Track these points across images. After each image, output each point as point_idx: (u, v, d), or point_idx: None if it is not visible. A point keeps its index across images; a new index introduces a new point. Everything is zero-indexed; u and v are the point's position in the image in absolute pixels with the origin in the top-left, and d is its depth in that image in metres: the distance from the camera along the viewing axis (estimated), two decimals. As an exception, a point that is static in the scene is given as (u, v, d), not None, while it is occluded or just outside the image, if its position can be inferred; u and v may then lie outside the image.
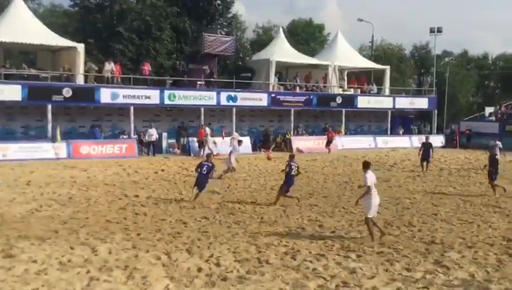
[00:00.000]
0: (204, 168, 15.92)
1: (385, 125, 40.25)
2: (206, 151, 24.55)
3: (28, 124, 28.17)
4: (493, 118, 43.47)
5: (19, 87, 26.18)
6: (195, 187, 16.02)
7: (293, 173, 15.74)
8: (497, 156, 18.98)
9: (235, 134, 25.84)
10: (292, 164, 15.82)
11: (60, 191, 17.10)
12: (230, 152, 22.16)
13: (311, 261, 9.61)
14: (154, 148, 29.48)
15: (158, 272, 8.86)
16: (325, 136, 33.94)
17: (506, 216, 14.24)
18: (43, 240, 10.84)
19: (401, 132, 40.68)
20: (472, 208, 15.37)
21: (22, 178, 19.73)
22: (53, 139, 26.72)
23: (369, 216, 11.21)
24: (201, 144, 29.04)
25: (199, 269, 9.07)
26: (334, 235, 11.77)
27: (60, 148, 26.57)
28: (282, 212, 14.42)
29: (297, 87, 36.90)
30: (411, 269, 9.26)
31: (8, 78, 26.58)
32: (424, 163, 24.11)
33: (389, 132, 39.87)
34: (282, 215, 14.04)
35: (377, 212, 11.79)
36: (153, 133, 29.38)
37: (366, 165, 11.83)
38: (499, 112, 43.55)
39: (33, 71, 28.43)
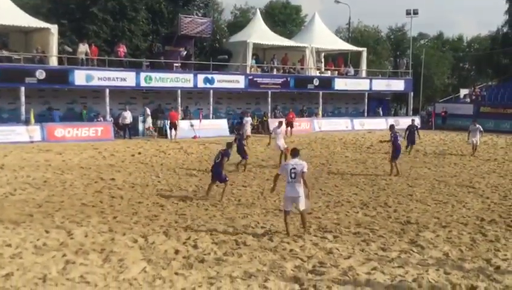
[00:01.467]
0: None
1: (362, 107, 40.49)
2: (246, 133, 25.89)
3: (0, 107, 27.64)
4: (468, 100, 44.09)
5: (-9, 69, 25.66)
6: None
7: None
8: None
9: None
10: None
11: (34, 175, 16.87)
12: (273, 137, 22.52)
13: (288, 243, 9.65)
14: (129, 131, 29.21)
15: (135, 255, 8.82)
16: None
17: (480, 196, 14.48)
18: (18, 224, 10.70)
19: (380, 113, 41.02)
20: (447, 189, 15.58)
21: (-5, 162, 19.40)
22: (27, 122, 26.28)
23: (281, 208, 10.48)
24: (174, 126, 28.97)
25: (176, 252, 9.05)
26: (311, 216, 11.81)
27: (34, 131, 26.17)
28: (259, 194, 14.44)
29: (275, 70, 36.83)
30: (386, 248, 9.37)
31: (-21, 60, 26.02)
32: (409, 146, 24.10)
33: (365, 114, 40.12)
34: (259, 197, 14.07)
35: (297, 207, 10.33)
36: (126, 116, 29.10)
37: (293, 153, 10.51)
38: (473, 93, 44.17)
39: (5, 53, 27.78)
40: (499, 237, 10.25)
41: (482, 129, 24.40)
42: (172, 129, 29.28)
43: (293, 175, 10.03)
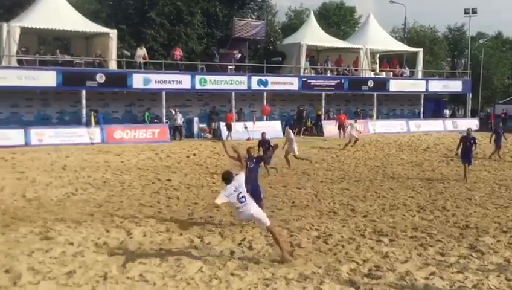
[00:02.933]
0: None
1: (418, 109, 39.68)
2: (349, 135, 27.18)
3: (63, 110, 28.66)
4: (530, 101, 42.49)
5: (54, 73, 26.64)
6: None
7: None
8: None
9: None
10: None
11: (94, 175, 17.43)
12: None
13: (343, 245, 9.60)
14: (180, 132, 29.71)
15: (191, 255, 8.99)
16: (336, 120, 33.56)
17: (543, 201, 13.96)
18: (79, 223, 11.08)
19: (447, 114, 40.22)
20: (507, 193, 15.10)
21: (58, 163, 20.15)
22: (87, 125, 27.18)
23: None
24: (229, 128, 29.33)
25: (232, 252, 9.16)
26: (366, 219, 11.72)
27: (94, 133, 27.04)
28: (313, 196, 14.41)
29: (329, 71, 36.64)
30: (445, 253, 9.18)
31: (43, 65, 27.05)
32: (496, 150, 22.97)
33: (421, 116, 39.30)
34: (313, 199, 14.04)
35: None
36: (176, 118, 29.64)
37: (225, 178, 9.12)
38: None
39: (67, 57, 28.88)
40: None
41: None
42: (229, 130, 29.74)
43: (242, 199, 8.80)
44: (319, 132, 33.85)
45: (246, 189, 9.11)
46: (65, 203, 13.20)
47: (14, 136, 25.11)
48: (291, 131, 21.03)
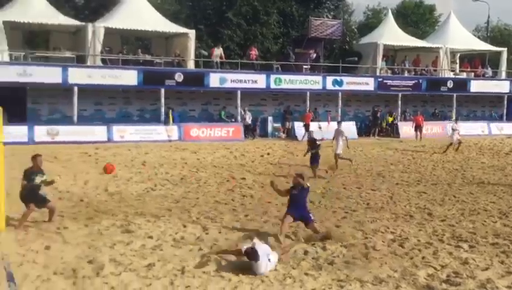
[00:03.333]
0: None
1: (500, 110, 37.97)
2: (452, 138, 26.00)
3: (143, 108, 29.65)
4: None
5: (135, 72, 27.64)
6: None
7: None
8: None
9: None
10: None
11: (172, 172, 17.94)
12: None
13: (419, 250, 9.38)
14: (252, 131, 30.05)
15: (266, 253, 9.07)
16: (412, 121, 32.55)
17: None
18: (158, 218, 11.46)
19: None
20: None
21: (138, 159, 20.90)
22: (166, 122, 27.99)
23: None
24: (307, 127, 29.21)
25: (305, 252, 9.17)
26: (444, 224, 11.38)
27: (172, 131, 27.82)
28: (388, 198, 14.16)
29: (406, 71, 35.79)
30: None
31: (125, 64, 28.12)
32: None
33: (504, 118, 37.57)
34: (388, 201, 13.79)
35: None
36: (245, 117, 29.93)
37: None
38: None
39: (148, 57, 29.87)
40: None
41: None
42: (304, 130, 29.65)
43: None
44: (395, 133, 33.13)
45: (294, 214, 9.86)
46: (144, 198, 13.68)
47: (97, 132, 26.31)
48: (343, 130, 20.64)
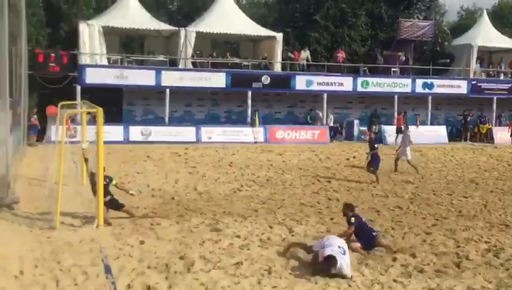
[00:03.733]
0: (376, 146, 17.54)
1: None
2: None
3: (230, 109, 30.23)
4: None
5: (224, 75, 28.25)
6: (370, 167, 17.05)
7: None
8: None
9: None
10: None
11: (258, 173, 18.17)
12: None
13: (516, 262, 8.96)
14: (334, 134, 29.87)
15: (352, 257, 8.99)
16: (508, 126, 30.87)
17: None
18: (245, 218, 11.66)
19: None
20: None
21: (225, 159, 21.35)
22: (252, 124, 28.37)
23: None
24: (399, 131, 28.57)
25: (394, 259, 9.00)
26: (542, 235, 10.77)
27: (258, 133, 28.17)
28: (482, 206, 13.58)
29: (502, 74, 34.10)
30: None
31: (214, 67, 28.81)
32: None
33: None
34: (482, 210, 13.23)
35: None
36: (330, 119, 29.95)
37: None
38: None
39: (236, 60, 30.44)
40: None
41: None
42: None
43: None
44: (489, 138, 31.66)
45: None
46: (232, 198, 13.96)
47: (187, 133, 27.13)
48: (410, 134, 19.92)
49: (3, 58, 12.65)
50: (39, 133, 25.08)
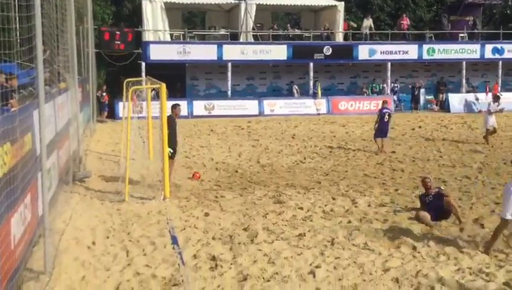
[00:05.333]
0: (386, 116, 16.83)
1: None
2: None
3: (292, 82, 30.11)
4: None
5: (285, 47, 28.07)
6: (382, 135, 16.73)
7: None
8: None
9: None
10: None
11: (321, 145, 18.12)
12: None
13: None
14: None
15: (416, 229, 8.89)
16: None
17: None
18: (308, 190, 11.71)
19: None
20: None
21: (288, 132, 21.39)
22: (315, 96, 28.16)
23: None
24: (496, 98, 27.47)
25: (461, 229, 8.83)
26: None
27: (320, 104, 27.96)
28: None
29: None
30: None
31: (275, 39, 28.66)
32: None
33: None
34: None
35: None
36: (396, 90, 29.37)
37: None
38: None
39: (297, 31, 30.15)
40: None
41: None
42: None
43: None
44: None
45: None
46: (294, 170, 14.02)
47: (249, 106, 27.31)
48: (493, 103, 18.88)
49: (71, 36, 13.13)
50: (109, 110, 25.93)
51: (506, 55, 30.31)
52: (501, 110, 18.90)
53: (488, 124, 18.16)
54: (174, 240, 8.23)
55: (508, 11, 35.72)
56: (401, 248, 7.92)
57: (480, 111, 28.01)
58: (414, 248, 7.88)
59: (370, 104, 28.58)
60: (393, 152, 16.60)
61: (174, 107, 11.97)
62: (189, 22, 34.44)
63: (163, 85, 11.07)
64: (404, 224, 9.12)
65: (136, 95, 13.86)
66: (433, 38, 30.87)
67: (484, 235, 8.46)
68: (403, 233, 8.60)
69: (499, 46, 30.32)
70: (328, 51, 28.32)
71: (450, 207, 9.29)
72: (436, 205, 9.40)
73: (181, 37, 28.05)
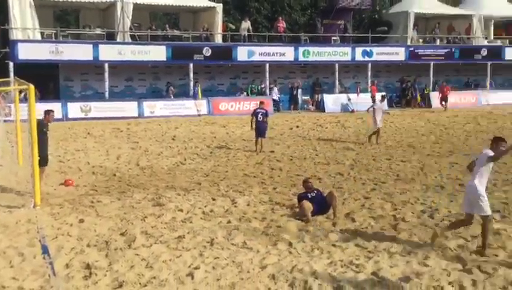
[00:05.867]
0: (260, 115, 17.09)
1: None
2: None
3: (172, 83, 29.79)
4: None
5: (164, 47, 27.72)
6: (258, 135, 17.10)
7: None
8: None
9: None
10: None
11: (201, 146, 18.10)
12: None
13: (450, 221, 9.30)
14: (277, 106, 29.91)
15: (293, 225, 9.14)
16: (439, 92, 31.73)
17: None
18: (188, 191, 11.62)
19: None
20: None
21: (168, 133, 21.13)
22: (195, 97, 28.10)
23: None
24: (374, 99, 28.94)
25: (334, 224, 9.22)
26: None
27: (201, 105, 27.95)
28: (419, 170, 14.03)
29: (438, 40, 35.01)
30: (562, 233, 8.61)
31: (154, 40, 28.20)
32: None
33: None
34: (419, 173, 13.66)
35: None
36: (272, 91, 29.96)
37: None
38: None
39: (176, 32, 29.91)
40: None
41: None
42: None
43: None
44: (427, 104, 32.61)
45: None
46: (175, 172, 13.87)
47: (128, 108, 26.60)
48: (379, 102, 20.15)
49: None
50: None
51: (375, 57, 32.26)
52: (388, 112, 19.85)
53: (377, 123, 18.84)
54: (45, 250, 7.78)
55: (376, 16, 38.09)
56: (278, 245, 8.10)
57: (352, 111, 29.65)
58: (290, 244, 8.10)
59: (250, 105, 28.93)
60: (272, 151, 16.99)
61: (47, 113, 11.40)
62: (62, 21, 32.86)
63: (32, 86, 10.41)
64: (282, 222, 9.34)
65: (1, 96, 12.98)
66: (308, 41, 32.11)
67: (354, 229, 8.89)
68: (280, 230, 8.81)
69: (368, 49, 32.19)
70: (207, 52, 28.40)
71: (332, 199, 9.78)
72: (319, 199, 9.84)
73: (53, 36, 26.68)
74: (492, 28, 38.23)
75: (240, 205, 10.50)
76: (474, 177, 7.76)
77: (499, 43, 36.71)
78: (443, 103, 30.73)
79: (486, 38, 36.49)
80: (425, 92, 33.26)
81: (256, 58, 29.67)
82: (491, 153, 7.65)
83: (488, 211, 7.73)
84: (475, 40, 35.58)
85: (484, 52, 34.55)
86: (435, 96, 32.66)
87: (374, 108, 19.42)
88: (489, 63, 34.78)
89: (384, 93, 23.72)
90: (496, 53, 35.07)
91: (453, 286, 6.60)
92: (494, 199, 10.74)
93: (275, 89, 30.17)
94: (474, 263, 7.31)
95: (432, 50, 33.74)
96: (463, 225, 8.22)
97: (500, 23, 39.68)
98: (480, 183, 7.72)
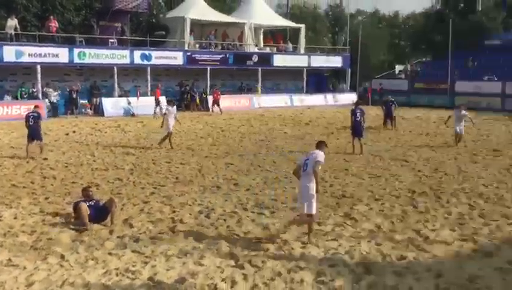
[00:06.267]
0: (31, 119, 16.47)
1: (301, 83, 40.75)
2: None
3: None
4: (403, 76, 45.26)
5: None
6: (30, 140, 16.37)
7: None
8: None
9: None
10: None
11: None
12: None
13: (225, 219, 9.66)
14: (56, 109, 28.35)
15: (66, 235, 8.59)
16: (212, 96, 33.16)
17: (412, 169, 14.93)
18: None
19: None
20: (381, 163, 15.97)
21: None
22: None
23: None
24: (158, 102, 28.65)
25: (111, 232, 8.89)
26: (249, 193, 11.87)
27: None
28: (197, 171, 14.35)
29: (213, 46, 36.49)
30: (322, 223, 9.50)
31: None
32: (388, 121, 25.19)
33: (305, 90, 40.44)
34: (197, 174, 13.97)
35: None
36: (50, 94, 28.30)
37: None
38: (408, 69, 45.37)
39: None
40: (429, 209, 10.61)
41: (468, 116, 19.91)
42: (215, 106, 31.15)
43: (305, 167, 8.55)
44: (205, 107, 33.73)
45: None
46: None
47: None
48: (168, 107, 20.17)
49: None
50: None
51: (154, 61, 32.33)
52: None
53: (170, 128, 18.57)
54: None
55: (154, 20, 38.18)
56: (48, 259, 7.51)
57: (133, 114, 29.26)
58: (62, 257, 7.58)
59: (20, 109, 26.76)
60: (46, 159, 15.84)
61: None
62: None
63: None
64: (53, 233, 8.71)
65: None
66: (84, 42, 30.81)
67: (132, 234, 8.68)
68: (52, 243, 8.21)
69: (147, 52, 32.12)
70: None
71: (112, 205, 9.43)
72: (97, 207, 9.46)
73: None
74: (261, 36, 41.24)
75: (6, 219, 9.53)
76: (310, 179, 8.39)
77: (268, 50, 39.66)
78: (215, 106, 32.04)
79: (256, 46, 39.14)
80: (203, 95, 34.36)
81: (25, 59, 27.53)
82: (321, 159, 8.46)
83: (314, 210, 8.44)
84: (247, 47, 37.92)
85: (255, 58, 37.01)
86: (211, 100, 33.90)
87: (165, 113, 19.34)
88: (260, 68, 37.37)
89: (171, 98, 23.82)
90: (265, 59, 37.82)
91: (225, 282, 6.81)
92: (264, 196, 11.50)
93: (53, 92, 28.32)
94: (246, 258, 7.66)
95: (208, 55, 35.01)
96: (304, 222, 8.72)
97: (268, 32, 42.98)
98: (314, 184, 8.37)
